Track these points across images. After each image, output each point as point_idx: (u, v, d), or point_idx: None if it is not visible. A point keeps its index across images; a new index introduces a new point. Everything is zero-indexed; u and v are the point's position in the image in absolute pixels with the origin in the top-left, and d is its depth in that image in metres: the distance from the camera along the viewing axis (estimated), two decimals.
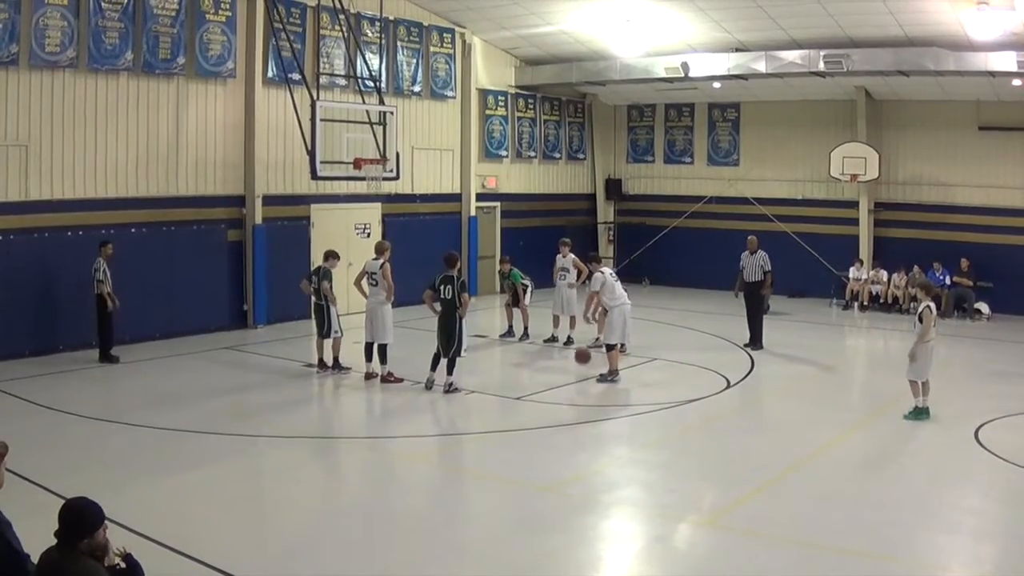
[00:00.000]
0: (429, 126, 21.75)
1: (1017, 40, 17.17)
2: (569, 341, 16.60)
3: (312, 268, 14.41)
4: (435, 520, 8.46)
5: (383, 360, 13.57)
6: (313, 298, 14.22)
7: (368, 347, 13.75)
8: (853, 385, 15.14)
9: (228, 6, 17.17)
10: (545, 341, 16.85)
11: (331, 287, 14.08)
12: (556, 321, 16.93)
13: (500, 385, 13.92)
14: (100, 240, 14.80)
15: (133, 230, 16.09)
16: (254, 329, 17.86)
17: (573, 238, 18.24)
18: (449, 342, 12.87)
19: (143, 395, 12.76)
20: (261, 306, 18.08)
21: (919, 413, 11.59)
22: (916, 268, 21.33)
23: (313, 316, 14.31)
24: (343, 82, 19.07)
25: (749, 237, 17.07)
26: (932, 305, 11.70)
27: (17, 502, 5.91)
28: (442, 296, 12.94)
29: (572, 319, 16.71)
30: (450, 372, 12.94)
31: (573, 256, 16.95)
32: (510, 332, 17.41)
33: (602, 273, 14.07)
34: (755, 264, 16.54)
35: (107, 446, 10.43)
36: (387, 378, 13.51)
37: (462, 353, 13.10)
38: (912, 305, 21.11)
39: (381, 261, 13.72)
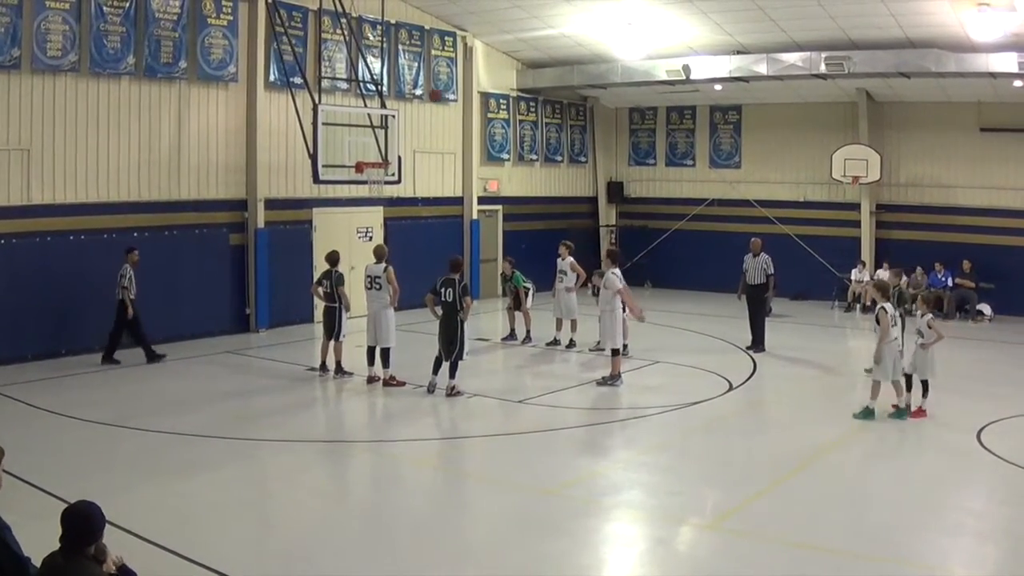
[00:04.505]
0: (431, 129, 21.77)
1: (1018, 41, 17.17)
2: (571, 344, 16.59)
3: (323, 272, 14.38)
4: (437, 524, 8.46)
5: (385, 364, 13.57)
6: (324, 302, 14.23)
7: (370, 351, 13.75)
8: (855, 387, 15.07)
9: (229, 10, 17.20)
10: (548, 344, 16.84)
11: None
12: (559, 324, 16.91)
13: (502, 388, 13.90)
14: (127, 246, 15.01)
15: (135, 234, 16.07)
16: (256, 333, 17.86)
17: (575, 241, 18.19)
18: (451, 345, 12.87)
19: (146, 399, 12.76)
20: (263, 310, 18.09)
21: (868, 413, 11.79)
22: (919, 269, 21.36)
23: (323, 319, 14.32)
24: (345, 86, 19.09)
25: (752, 239, 17.02)
26: (888, 306, 11.95)
27: (20, 506, 5.93)
28: (443, 299, 12.94)
29: (573, 322, 16.68)
30: (452, 376, 12.93)
31: (571, 259, 16.91)
32: (512, 335, 17.40)
33: (615, 274, 13.88)
34: (758, 266, 16.51)
35: (110, 450, 10.43)
36: (389, 382, 13.51)
37: (464, 356, 13.09)
38: (915, 308, 21.10)
39: (384, 265, 13.73)
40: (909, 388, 12.05)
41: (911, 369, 12.09)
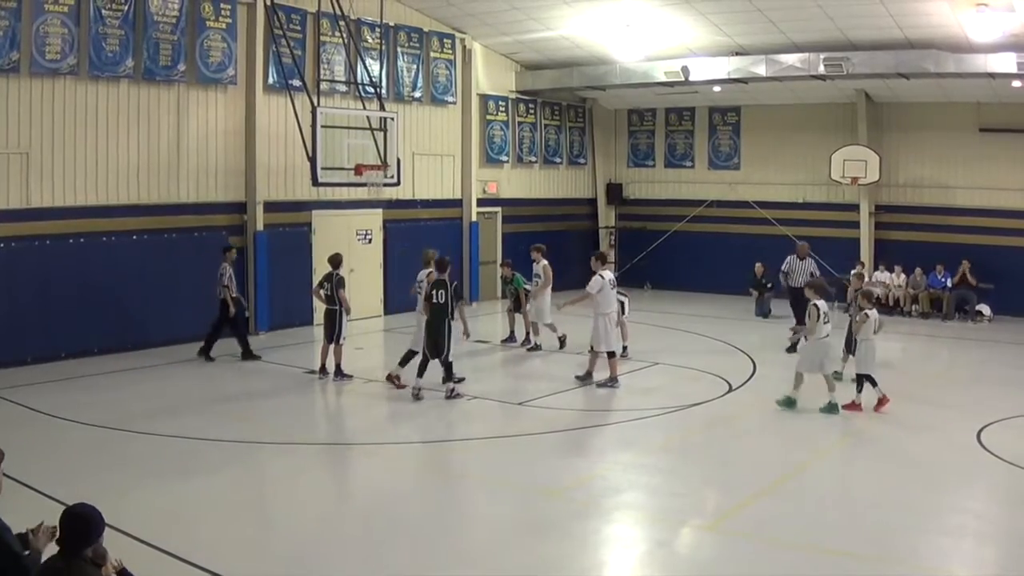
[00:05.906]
0: (430, 132, 21.76)
1: (1017, 41, 17.17)
2: (536, 347, 16.56)
3: (324, 274, 14.40)
4: (437, 525, 8.46)
5: (403, 364, 13.61)
6: (325, 304, 14.24)
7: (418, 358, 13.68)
8: (853, 387, 15.08)
9: (228, 13, 17.19)
10: (529, 349, 16.68)
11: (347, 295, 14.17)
12: (535, 328, 16.82)
13: (502, 391, 13.90)
14: (223, 246, 15.59)
15: (135, 237, 16.09)
16: (256, 335, 17.82)
17: (574, 243, 18.18)
18: (436, 348, 12.80)
19: (146, 402, 12.73)
20: (263, 312, 18.08)
21: (831, 408, 12.07)
22: (918, 270, 21.37)
23: (323, 321, 14.34)
24: (344, 88, 19.09)
25: (800, 243, 17.63)
26: (819, 303, 12.26)
27: (19, 509, 5.91)
28: (435, 301, 12.83)
29: (550, 326, 16.55)
30: (449, 377, 12.91)
31: (545, 262, 16.85)
32: (511, 338, 17.38)
33: (602, 278, 13.87)
34: (803, 270, 17.02)
35: (109, 453, 10.41)
36: (391, 379, 13.57)
37: (449, 358, 12.96)
38: (914, 308, 21.17)
39: (427, 271, 13.81)
40: (860, 388, 12.29)
41: (860, 368, 12.30)
